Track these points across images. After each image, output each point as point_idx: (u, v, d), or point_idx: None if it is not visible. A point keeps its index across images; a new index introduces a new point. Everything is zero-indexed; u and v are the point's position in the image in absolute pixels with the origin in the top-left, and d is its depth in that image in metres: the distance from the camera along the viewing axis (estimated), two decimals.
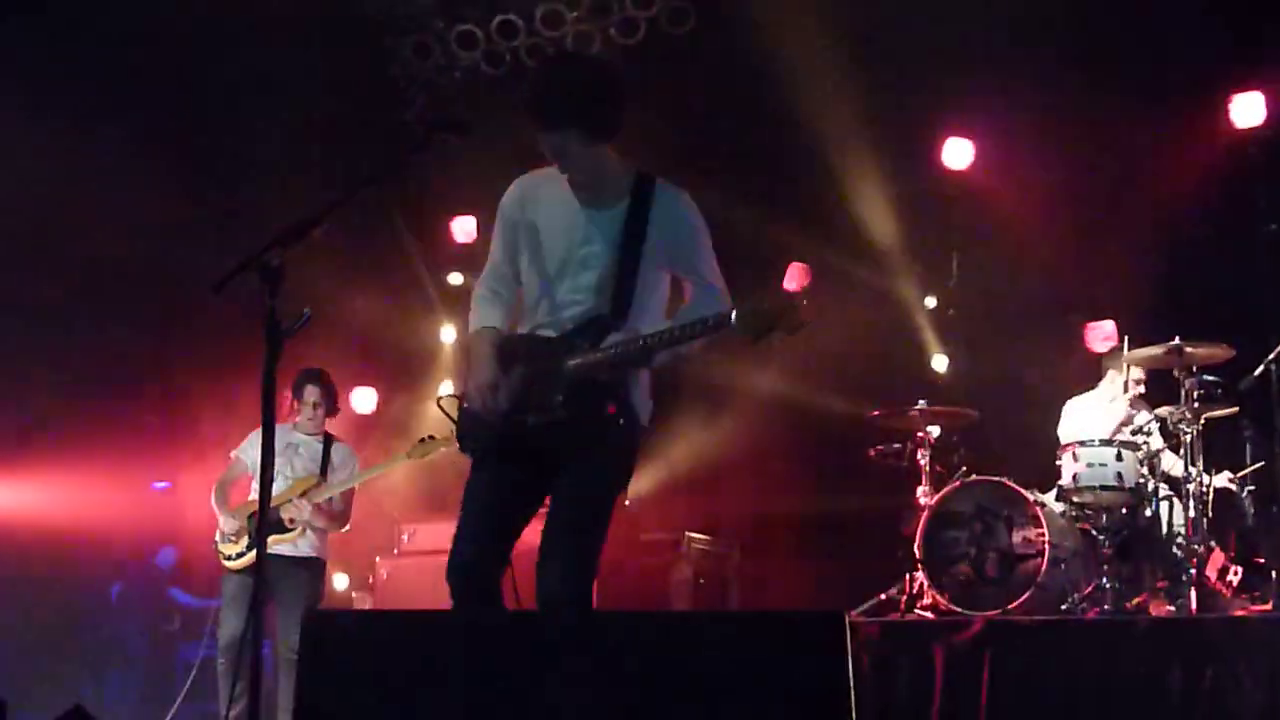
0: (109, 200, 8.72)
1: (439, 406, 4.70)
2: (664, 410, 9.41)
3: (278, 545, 7.14)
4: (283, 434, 7.43)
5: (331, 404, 7.62)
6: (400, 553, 8.51)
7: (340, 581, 9.60)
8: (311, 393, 7.50)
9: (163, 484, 9.96)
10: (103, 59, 8.90)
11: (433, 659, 3.47)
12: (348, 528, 7.53)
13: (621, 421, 4.29)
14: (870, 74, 8.98)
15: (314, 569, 7.35)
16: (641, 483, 9.18)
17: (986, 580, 7.04)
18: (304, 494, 7.22)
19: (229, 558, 7.24)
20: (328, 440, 7.56)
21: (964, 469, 7.64)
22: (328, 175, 8.87)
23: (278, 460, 7.33)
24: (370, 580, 8.56)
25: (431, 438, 7.20)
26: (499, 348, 4.39)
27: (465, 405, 4.46)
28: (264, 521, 3.73)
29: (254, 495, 7.38)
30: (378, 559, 8.56)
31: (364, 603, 8.83)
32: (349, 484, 7.46)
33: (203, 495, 7.59)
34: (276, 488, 7.26)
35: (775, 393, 9.31)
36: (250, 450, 7.41)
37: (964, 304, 8.73)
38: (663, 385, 9.41)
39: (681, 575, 8.15)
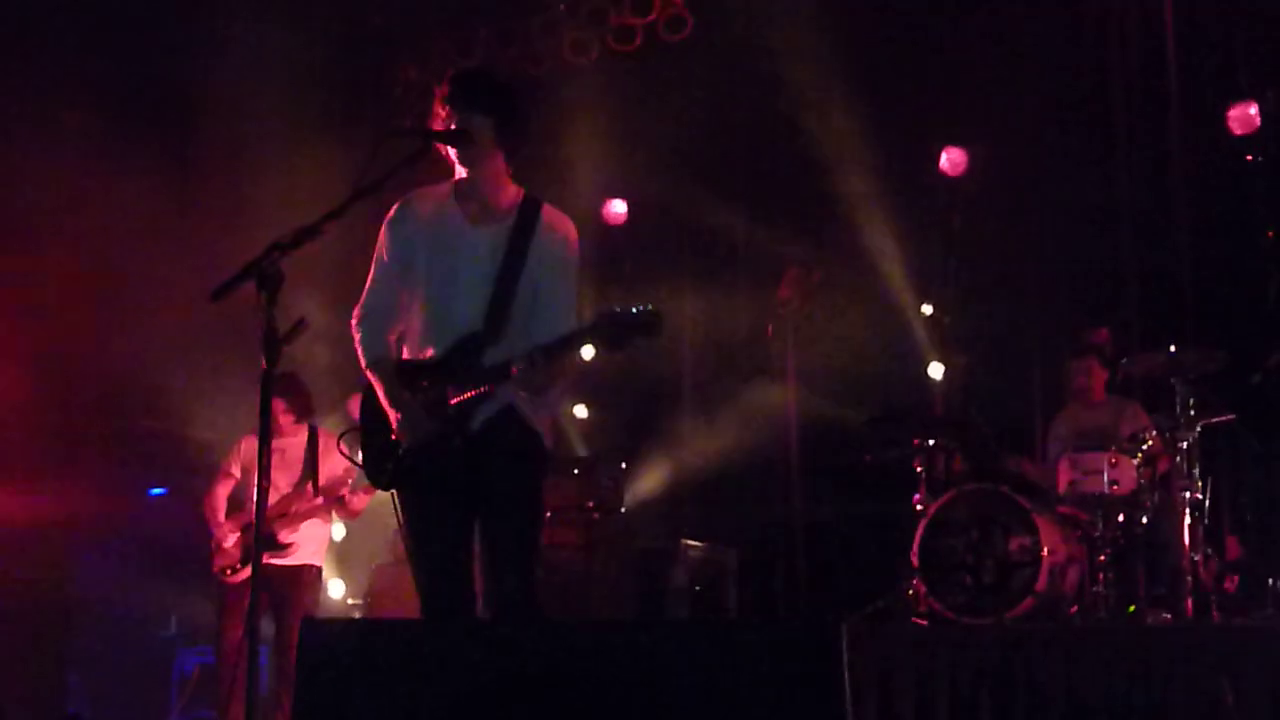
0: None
1: (339, 449, 4.78)
2: (659, 416, 9.72)
3: (273, 555, 7.17)
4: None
5: (302, 406, 7.50)
6: (397, 560, 8.50)
7: (336, 589, 9.58)
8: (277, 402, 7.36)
9: (159, 490, 9.93)
10: (84, 44, 8.89)
11: (431, 668, 3.48)
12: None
13: (520, 424, 4.46)
14: (868, 81, 9.04)
15: (310, 576, 7.38)
16: (637, 489, 9.24)
17: (984, 588, 7.04)
18: (294, 505, 7.24)
19: (223, 571, 7.28)
20: (312, 432, 7.49)
21: (960, 476, 7.63)
22: (324, 178, 8.89)
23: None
24: (366, 588, 8.55)
25: None
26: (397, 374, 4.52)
27: (367, 439, 4.57)
28: (259, 532, 3.72)
29: (249, 506, 7.37)
30: (374, 566, 8.56)
31: (360, 611, 8.83)
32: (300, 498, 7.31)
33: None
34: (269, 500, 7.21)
35: (771, 399, 9.32)
36: (247, 461, 7.40)
37: (960, 311, 8.72)
38: (659, 391, 9.70)
39: (678, 582, 8.15)
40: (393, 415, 4.41)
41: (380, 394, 4.48)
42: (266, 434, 3.76)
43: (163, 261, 8.88)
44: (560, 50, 9.94)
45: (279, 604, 7.20)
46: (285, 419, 7.41)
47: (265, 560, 7.04)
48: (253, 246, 3.86)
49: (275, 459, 7.34)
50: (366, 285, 4.64)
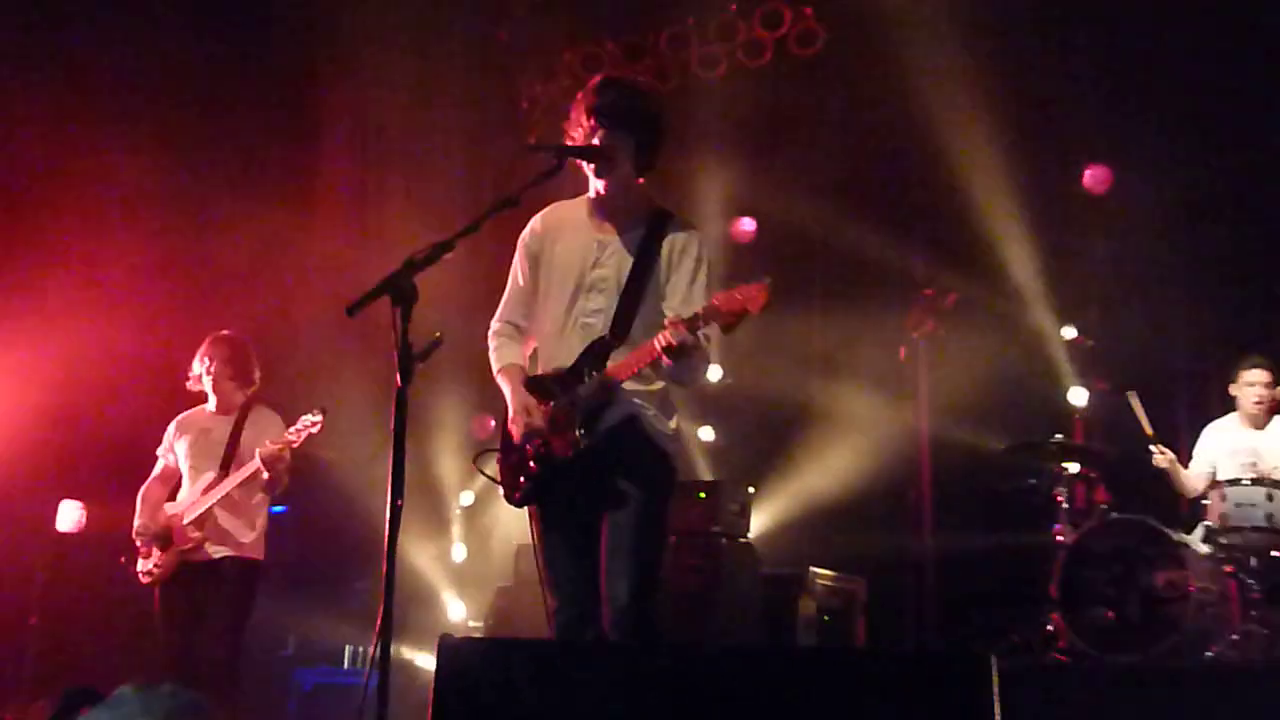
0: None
1: (475, 466, 4.90)
2: (786, 441, 9.67)
3: (189, 552, 6.71)
4: (200, 418, 7.04)
5: (239, 371, 7.01)
6: (517, 582, 8.55)
7: (456, 610, 9.68)
8: (206, 363, 7.00)
9: (279, 509, 10.09)
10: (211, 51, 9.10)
11: (562, 689, 3.50)
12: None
13: (644, 436, 4.58)
14: (1007, 98, 8.96)
15: (240, 569, 6.80)
16: (763, 516, 9.21)
17: (1127, 623, 6.94)
18: (205, 493, 6.75)
19: (145, 573, 6.82)
20: (243, 411, 6.99)
21: (1103, 507, 7.52)
22: (452, 194, 9.02)
23: (191, 452, 6.96)
24: (488, 610, 8.60)
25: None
26: (526, 385, 4.70)
27: (503, 456, 4.73)
28: (393, 550, 3.73)
29: (183, 495, 6.91)
30: (496, 588, 8.61)
31: (480, 634, 8.88)
32: (261, 460, 6.63)
33: (318, 517, 7.57)
34: (192, 483, 6.89)
35: (904, 423, 9.22)
36: (178, 444, 7.02)
37: (1103, 334, 8.58)
38: (787, 415, 9.64)
39: (806, 611, 8.10)
40: (516, 421, 4.59)
41: (508, 398, 4.68)
42: (401, 463, 3.78)
43: (289, 276, 9.05)
44: (689, 65, 9.98)
45: (197, 605, 6.72)
46: (221, 384, 6.98)
47: (181, 558, 6.71)
48: (382, 262, 3.95)
49: (204, 441, 6.99)
50: (503, 298, 4.90)
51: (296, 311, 9.45)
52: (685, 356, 4.35)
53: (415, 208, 9.25)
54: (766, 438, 9.91)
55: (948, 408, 9.01)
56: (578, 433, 4.47)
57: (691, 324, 4.28)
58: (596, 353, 4.57)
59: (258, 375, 7.15)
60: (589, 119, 4.59)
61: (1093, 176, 9.08)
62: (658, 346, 4.32)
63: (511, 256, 4.90)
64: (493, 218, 4.21)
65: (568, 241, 4.74)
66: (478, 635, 8.77)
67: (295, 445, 6.67)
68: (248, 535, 6.88)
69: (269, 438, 6.75)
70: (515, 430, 4.61)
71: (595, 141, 4.58)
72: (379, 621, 3.84)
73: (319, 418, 6.65)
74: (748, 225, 10.31)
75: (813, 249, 10.08)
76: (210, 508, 6.78)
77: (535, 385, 4.68)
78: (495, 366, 4.82)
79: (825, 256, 10.03)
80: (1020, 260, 9.13)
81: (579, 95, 4.69)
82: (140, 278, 9.12)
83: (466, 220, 4.19)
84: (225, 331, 7.18)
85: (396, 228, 9.26)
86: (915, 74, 9.18)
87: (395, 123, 9.39)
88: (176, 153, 9.12)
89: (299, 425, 6.66)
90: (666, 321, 4.33)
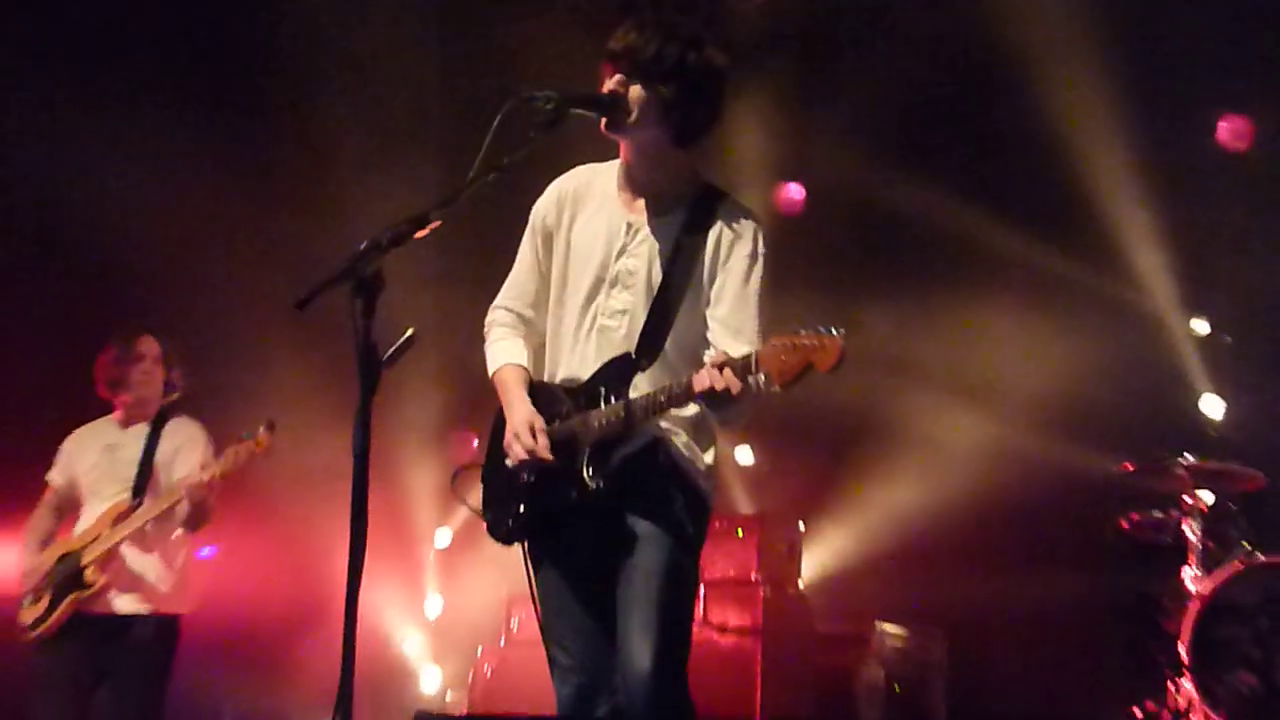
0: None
1: (454, 492, 4.96)
2: (844, 462, 9.64)
3: (86, 602, 6.65)
4: (103, 431, 7.08)
5: (167, 373, 7.06)
6: (509, 642, 8.54)
7: (430, 679, 9.68)
8: (127, 362, 7.01)
9: (208, 549, 10.09)
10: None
11: None
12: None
13: (672, 468, 4.52)
14: (1117, 32, 8.98)
15: (155, 630, 6.78)
16: (817, 558, 9.28)
17: (1276, 692, 6.92)
18: (115, 524, 6.71)
19: (29, 625, 6.74)
20: (157, 422, 7.01)
21: (1247, 547, 7.49)
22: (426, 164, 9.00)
23: (93, 474, 6.97)
24: (470, 676, 8.60)
25: None
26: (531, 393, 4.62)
27: (489, 479, 4.70)
28: (354, 593, 3.70)
29: (82, 527, 6.92)
30: (480, 649, 8.61)
31: (461, 706, 8.88)
32: (183, 490, 6.61)
33: (257, 558, 7.62)
34: (94, 512, 6.88)
35: (989, 441, 9.26)
36: (73, 465, 7.05)
37: (1246, 328, 8.56)
38: (843, 430, 9.61)
39: (871, 677, 8.10)
40: (512, 442, 4.50)
41: (504, 406, 4.62)
42: (363, 486, 3.75)
43: (222, 258, 9.06)
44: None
45: (96, 671, 6.67)
46: (142, 388, 7.00)
47: (77, 609, 6.65)
48: (339, 242, 3.94)
49: (110, 458, 6.98)
50: (509, 279, 4.83)
51: (229, 302, 9.47)
52: (729, 405, 4.29)
53: (381, 173, 9.22)
54: (820, 459, 9.93)
55: (1046, 419, 9.03)
56: (586, 472, 4.41)
57: (741, 369, 4.18)
58: (617, 372, 4.50)
59: (181, 379, 7.14)
60: (607, 63, 4.51)
61: (1230, 129, 9.04)
62: (695, 389, 4.24)
63: (508, 231, 4.86)
64: (478, 186, 4.16)
65: (591, 219, 4.66)
66: (459, 712, 8.76)
67: (229, 472, 6.62)
68: (165, 582, 6.86)
69: (193, 456, 6.75)
70: (510, 447, 4.53)
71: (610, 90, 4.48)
72: (337, 695, 3.81)
73: (264, 435, 6.62)
74: (796, 193, 10.29)
75: (873, 219, 10.09)
76: (117, 544, 6.73)
77: (542, 395, 4.62)
78: (491, 365, 4.77)
79: (890, 229, 10.03)
80: (1138, 233, 9.10)
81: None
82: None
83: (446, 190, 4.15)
84: (140, 322, 7.17)
85: (360, 198, 9.24)
86: (998, 6, 9.19)
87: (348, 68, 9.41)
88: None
89: (238, 446, 6.61)
90: (709, 360, 4.24)
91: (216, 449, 6.84)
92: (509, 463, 4.56)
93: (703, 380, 4.20)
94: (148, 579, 6.80)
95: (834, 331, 4.08)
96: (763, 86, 9.64)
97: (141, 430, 6.99)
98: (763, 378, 4.16)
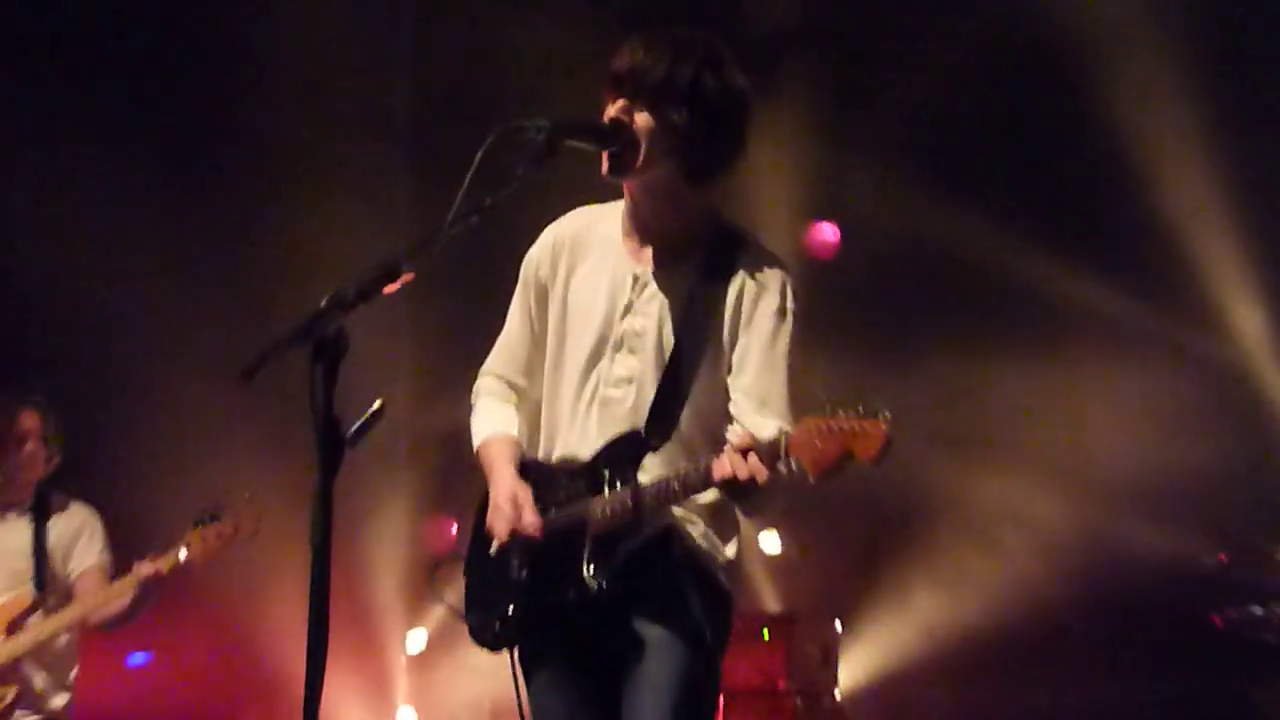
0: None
1: (431, 587, 4.98)
2: (887, 552, 9.60)
3: None
4: None
5: (55, 448, 7.12)
6: None
7: None
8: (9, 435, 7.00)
9: (142, 657, 10.05)
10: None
11: None
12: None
13: (688, 564, 4.47)
14: (1209, 46, 9.04)
15: None
16: (857, 663, 9.28)
17: None
18: (10, 628, 6.71)
19: None
20: (41, 505, 7.05)
21: None
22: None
23: None
24: None
25: None
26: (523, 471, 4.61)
27: (471, 571, 4.69)
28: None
29: None
30: None
31: None
32: (99, 596, 6.74)
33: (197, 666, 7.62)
34: None
35: (1059, 526, 9.31)
36: None
37: None
38: (887, 508, 9.56)
39: None
40: (498, 517, 4.46)
41: (490, 484, 4.58)
42: (324, 584, 3.62)
43: (155, 311, 9.04)
44: None
45: None
46: (25, 463, 7.00)
47: None
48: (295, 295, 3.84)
49: None
50: (498, 341, 4.82)
51: (162, 364, 9.41)
52: (755, 495, 4.19)
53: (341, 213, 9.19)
54: (859, 547, 9.98)
55: (1127, 502, 9.04)
56: (587, 570, 4.33)
57: (769, 454, 4.08)
58: (624, 452, 4.43)
59: (58, 452, 7.16)
60: (610, 89, 4.42)
61: None
62: (715, 477, 4.16)
63: (496, 283, 4.86)
64: (454, 232, 4.02)
65: (592, 270, 4.62)
66: None
67: (197, 563, 6.61)
68: (60, 694, 6.88)
69: (95, 545, 6.86)
70: (493, 526, 4.50)
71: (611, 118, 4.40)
72: None
73: (249, 514, 6.64)
74: (829, 234, 10.30)
75: (922, 263, 10.06)
76: (19, 654, 6.69)
77: (536, 476, 4.57)
78: (476, 437, 4.73)
79: (939, 274, 10.03)
80: (1239, 285, 9.07)
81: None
82: None
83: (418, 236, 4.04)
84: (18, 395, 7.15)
85: (317, 242, 9.23)
86: (1067, 16, 9.27)
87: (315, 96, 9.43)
88: None
89: (205, 530, 6.59)
90: (732, 441, 4.17)
91: (159, 535, 6.81)
92: (493, 551, 4.50)
93: (724, 467, 4.11)
94: (47, 693, 6.85)
95: (878, 415, 3.97)
96: (790, 111, 9.66)
97: (20, 515, 7.00)
98: (794, 463, 4.06)
